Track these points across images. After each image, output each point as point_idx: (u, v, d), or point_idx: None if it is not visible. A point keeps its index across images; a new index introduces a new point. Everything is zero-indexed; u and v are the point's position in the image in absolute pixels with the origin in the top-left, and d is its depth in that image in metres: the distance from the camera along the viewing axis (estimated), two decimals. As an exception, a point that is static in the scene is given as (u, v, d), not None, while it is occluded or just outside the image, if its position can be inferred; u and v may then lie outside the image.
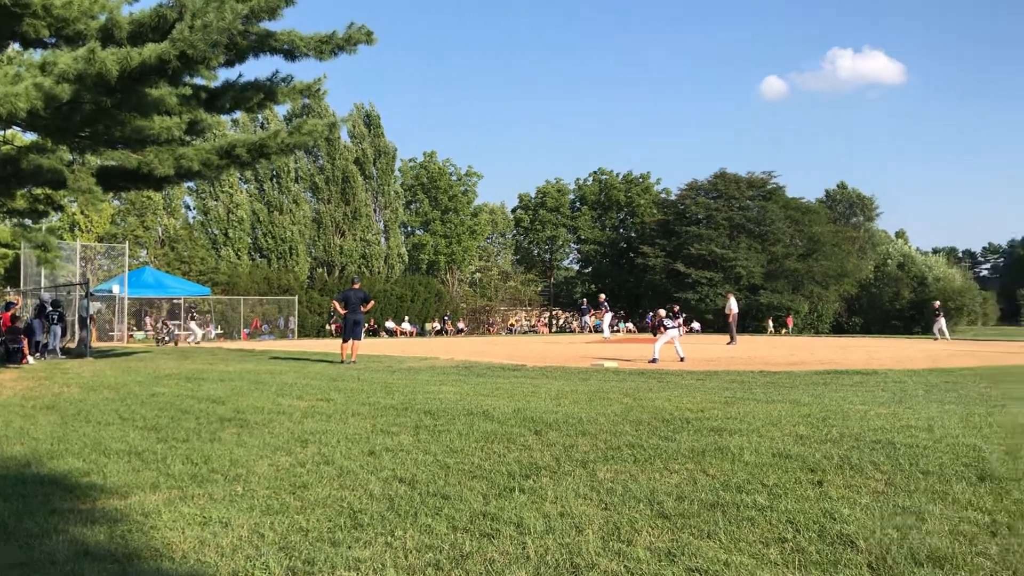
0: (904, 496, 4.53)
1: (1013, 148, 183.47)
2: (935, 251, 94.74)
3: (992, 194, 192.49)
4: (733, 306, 29.81)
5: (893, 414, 7.80)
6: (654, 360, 17.03)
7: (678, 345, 18.43)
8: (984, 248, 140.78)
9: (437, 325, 51.21)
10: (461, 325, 53.63)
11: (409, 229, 61.72)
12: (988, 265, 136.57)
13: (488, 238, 68.38)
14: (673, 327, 18.78)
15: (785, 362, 17.40)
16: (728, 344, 27.57)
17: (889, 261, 66.89)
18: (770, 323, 55.43)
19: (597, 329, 42.22)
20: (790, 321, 57.16)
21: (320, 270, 52.07)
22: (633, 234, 70.35)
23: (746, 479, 4.96)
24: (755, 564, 3.46)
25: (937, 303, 40.17)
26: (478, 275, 66.81)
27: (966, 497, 4.47)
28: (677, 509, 4.33)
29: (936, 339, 34.13)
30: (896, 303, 58.91)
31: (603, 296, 34.83)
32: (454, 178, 62.27)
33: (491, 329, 56.92)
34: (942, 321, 35.33)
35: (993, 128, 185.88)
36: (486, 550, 3.77)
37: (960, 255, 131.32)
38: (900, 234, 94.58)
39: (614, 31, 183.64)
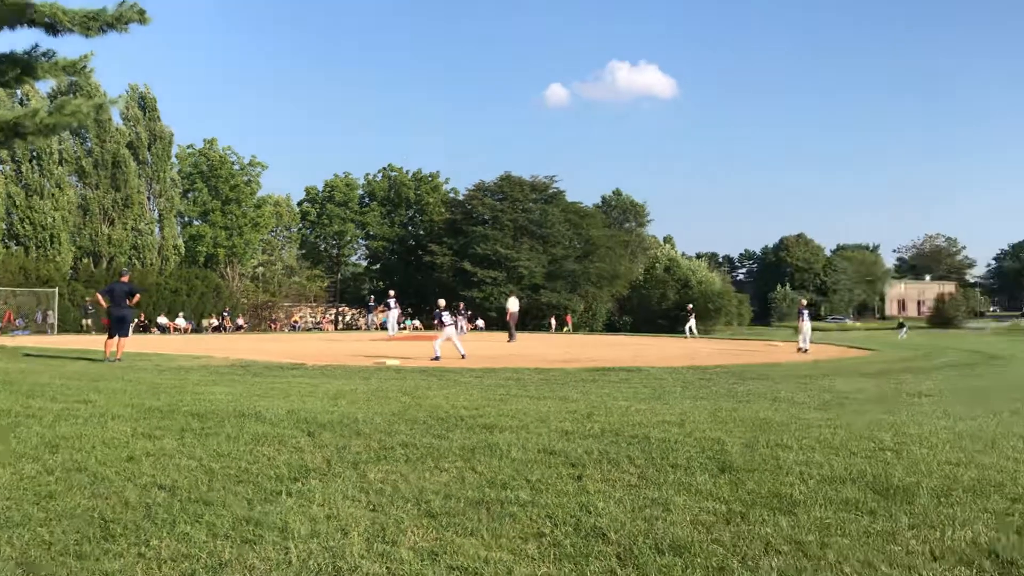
0: (654, 488, 4.85)
1: (768, 163, 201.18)
2: (698, 256, 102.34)
3: (749, 204, 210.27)
4: (511, 305, 30.87)
5: (651, 409, 8.35)
6: (436, 358, 17.20)
7: (457, 342, 18.58)
8: (741, 254, 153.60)
9: (215, 321, 48.99)
10: (241, 321, 51.57)
11: (186, 219, 58.32)
12: (744, 270, 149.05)
13: (272, 231, 66.10)
14: (451, 324, 18.88)
15: (560, 359, 18.14)
16: (508, 342, 28.44)
17: (657, 264, 71.32)
18: (552, 321, 57.52)
19: (383, 327, 42.00)
20: (569, 319, 59.58)
21: (86, 261, 48.10)
22: (422, 232, 70.70)
23: (512, 475, 5.14)
24: (513, 560, 3.59)
25: (690, 305, 43.99)
26: (261, 269, 64.49)
27: (707, 488, 4.86)
28: (444, 508, 4.41)
29: (686, 337, 37.00)
30: (663, 304, 62.95)
31: (393, 293, 34.59)
32: (236, 167, 59.59)
33: (273, 326, 55.18)
34: (692, 321, 38.67)
35: (751, 144, 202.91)
36: (246, 557, 3.67)
37: (720, 260, 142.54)
38: (668, 239, 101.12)
39: (407, 29, 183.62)
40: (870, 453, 5.95)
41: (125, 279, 17.19)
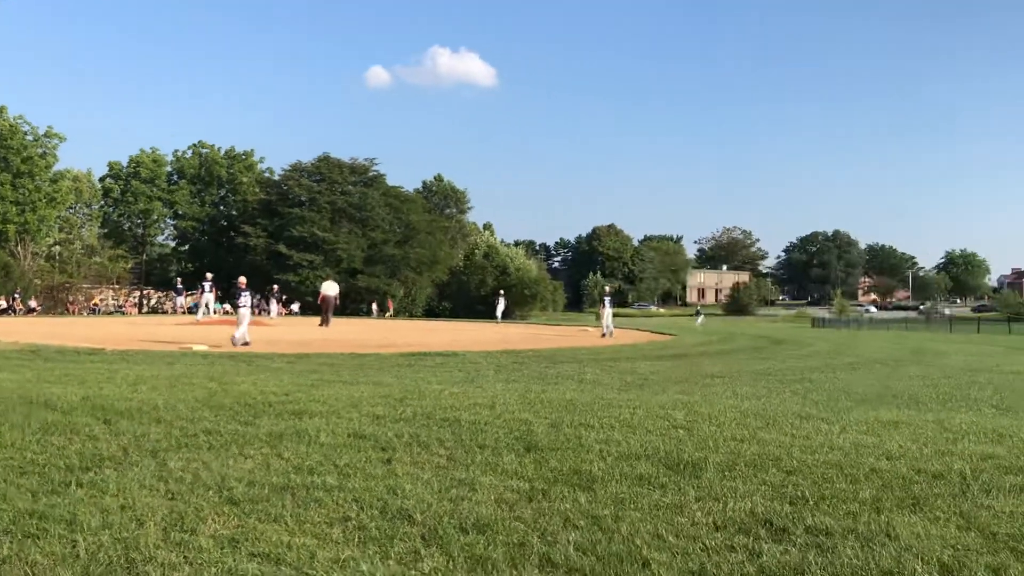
0: (462, 469, 4.95)
1: (582, 156, 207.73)
2: (516, 243, 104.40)
3: (565, 195, 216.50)
4: (327, 289, 30.52)
5: (464, 393, 8.48)
6: (246, 343, 16.61)
7: (245, 327, 17.30)
8: (556, 243, 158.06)
9: (3, 303, 45.06)
10: (34, 304, 47.68)
11: (-30, 192, 53.14)
12: (559, 258, 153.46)
13: (71, 208, 61.41)
14: (246, 306, 17.65)
15: (376, 344, 18.03)
16: (320, 326, 28.12)
17: (477, 251, 72.22)
18: (374, 306, 57.03)
19: (191, 311, 40.10)
20: (391, 304, 59.29)
21: None
22: (235, 212, 67.88)
23: (320, 461, 5.08)
24: (317, 544, 3.56)
25: (501, 291, 45.27)
26: (57, 248, 59.78)
27: (513, 467, 5.01)
28: (247, 495, 4.31)
29: (499, 322, 37.96)
30: (482, 289, 63.85)
31: (210, 276, 32.36)
32: (29, 138, 54.83)
33: (71, 309, 51.38)
34: (501, 305, 39.74)
35: (568, 136, 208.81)
36: (28, 552, 3.44)
37: (537, 248, 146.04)
38: (487, 226, 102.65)
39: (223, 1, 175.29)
40: (664, 431, 6.33)
41: None
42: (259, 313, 45.69)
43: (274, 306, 41.60)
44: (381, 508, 4.10)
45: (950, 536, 3.75)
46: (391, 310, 58.16)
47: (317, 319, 31.73)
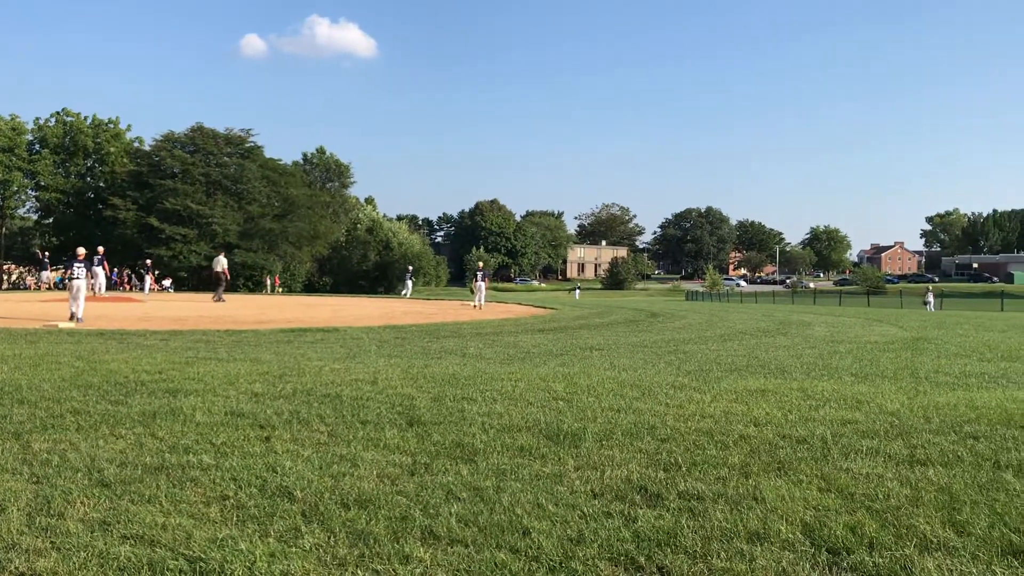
0: (343, 445, 4.92)
1: (463, 130, 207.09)
2: (399, 218, 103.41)
3: (448, 169, 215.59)
4: (219, 264, 29.65)
5: (346, 368, 8.40)
6: (79, 319, 15.51)
7: (80, 304, 15.88)
8: (439, 217, 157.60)
9: None
10: None
11: None
12: (443, 233, 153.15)
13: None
14: (80, 279, 16.03)
15: (254, 320, 17.59)
16: (215, 301, 27.35)
17: (359, 226, 71.21)
18: (268, 281, 55.94)
19: (59, 286, 37.98)
20: (277, 280, 58.10)
21: None
22: (103, 184, 64.56)
23: (195, 440, 4.96)
24: (193, 524, 3.48)
25: (410, 267, 44.98)
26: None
27: (395, 442, 5.01)
28: (119, 476, 4.16)
29: (405, 296, 37.66)
30: (364, 264, 63.08)
31: (101, 249, 29.74)
32: None
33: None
34: (409, 283, 39.48)
35: (448, 109, 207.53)
36: None
37: (420, 223, 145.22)
38: (369, 200, 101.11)
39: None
40: (545, 402, 6.46)
41: None
42: (131, 289, 43.81)
43: (147, 281, 39.84)
44: (260, 486, 4.04)
45: (812, 498, 3.99)
46: (276, 285, 56.98)
47: (191, 295, 30.59)
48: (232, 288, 53.61)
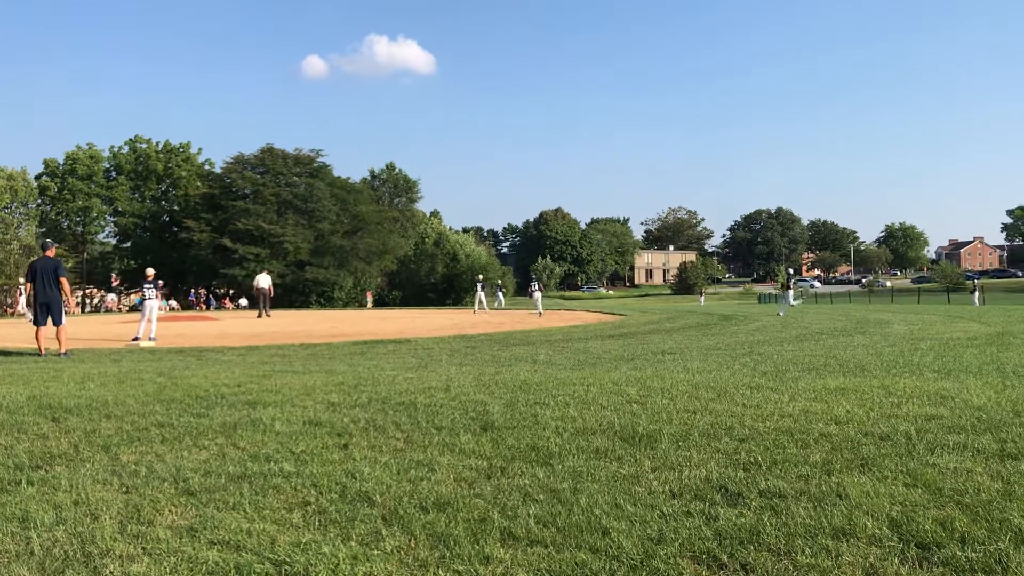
0: (420, 451, 4.96)
1: (526, 141, 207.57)
2: (465, 230, 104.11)
3: (511, 180, 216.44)
4: (261, 282, 30.66)
5: (418, 377, 8.47)
6: (152, 339, 15.83)
7: (149, 322, 16.13)
8: (504, 228, 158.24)
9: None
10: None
11: None
12: (508, 243, 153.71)
13: (6, 208, 59.60)
14: (153, 299, 16.34)
15: (327, 335, 17.88)
16: (258, 318, 28.40)
17: (427, 239, 71.87)
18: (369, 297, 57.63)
19: (137, 308, 39.28)
20: (370, 295, 59.34)
21: None
22: (176, 207, 66.57)
23: (276, 449, 5.05)
24: (277, 529, 3.54)
25: (479, 276, 44.68)
26: (-6, 250, 57.98)
27: (470, 447, 5.03)
28: (203, 484, 4.26)
29: (483, 309, 37.37)
30: (431, 277, 63.61)
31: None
32: (-43, 136, 53.09)
33: (10, 310, 49.93)
34: (481, 292, 39.07)
35: (510, 122, 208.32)
36: (-21, 553, 3.37)
37: (485, 234, 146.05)
38: (435, 214, 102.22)
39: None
40: (619, 406, 6.41)
41: (51, 253, 13.43)
42: (206, 308, 44.97)
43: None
44: (340, 492, 4.09)
45: (898, 493, 3.87)
46: (370, 300, 58.21)
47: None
48: (305, 304, 54.71)
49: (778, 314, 24.63)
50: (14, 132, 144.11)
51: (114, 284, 44.99)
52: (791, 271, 31.71)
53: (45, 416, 6.32)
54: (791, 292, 28.67)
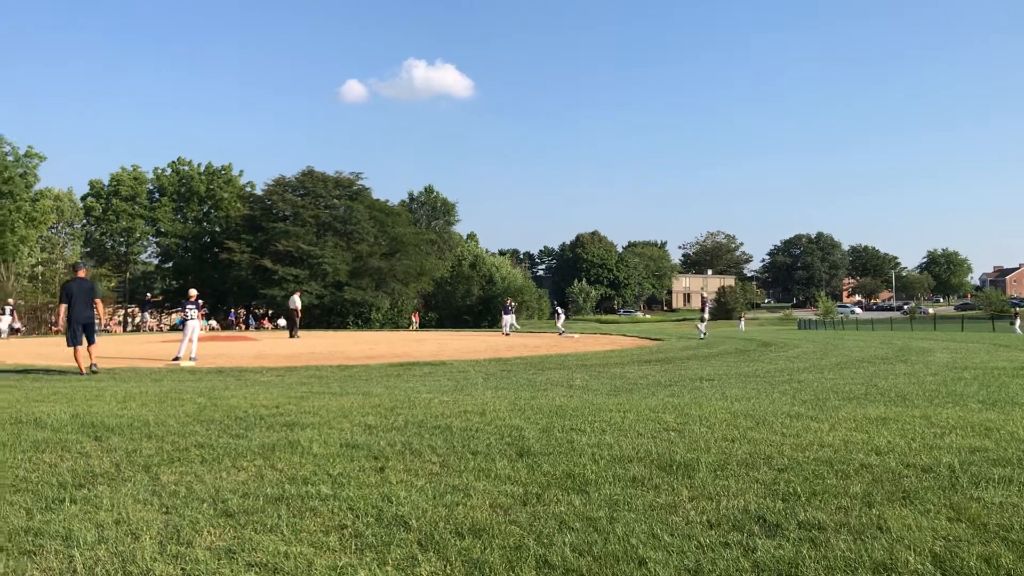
0: (455, 476, 4.96)
1: (565, 163, 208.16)
2: (501, 252, 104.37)
3: (548, 203, 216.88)
4: (294, 303, 31.44)
5: (454, 400, 8.49)
6: (193, 358, 16.08)
7: (190, 342, 16.43)
8: (540, 251, 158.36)
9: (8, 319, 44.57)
10: (18, 324, 47.19)
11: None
12: (544, 266, 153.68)
13: (52, 228, 61.01)
14: (194, 319, 16.62)
15: (364, 356, 17.99)
16: (290, 338, 28.98)
17: (463, 261, 72.21)
18: (414, 319, 58.66)
19: (178, 327, 39.90)
20: (416, 317, 60.05)
21: None
22: (218, 228, 67.68)
23: (313, 471, 5.08)
24: (314, 552, 3.57)
25: (509, 299, 44.90)
26: (40, 268, 59.32)
27: (506, 472, 5.02)
28: (242, 506, 4.30)
29: (507, 333, 37.48)
30: (467, 299, 63.83)
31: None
32: (10, 158, 54.40)
33: (53, 328, 50.92)
34: (512, 315, 39.37)
35: (547, 145, 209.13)
36: (25, 569, 3.43)
37: (521, 257, 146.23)
38: (471, 236, 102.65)
39: (186, 15, 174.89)
40: (655, 433, 6.36)
41: (82, 274, 13.78)
42: (245, 328, 45.47)
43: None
44: (376, 515, 4.10)
45: (941, 527, 3.79)
46: (416, 322, 58.92)
47: (304, 332, 32.00)
48: (342, 325, 55.12)
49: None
50: (62, 153, 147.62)
51: (148, 299, 45.65)
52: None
53: (88, 435, 6.43)
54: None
